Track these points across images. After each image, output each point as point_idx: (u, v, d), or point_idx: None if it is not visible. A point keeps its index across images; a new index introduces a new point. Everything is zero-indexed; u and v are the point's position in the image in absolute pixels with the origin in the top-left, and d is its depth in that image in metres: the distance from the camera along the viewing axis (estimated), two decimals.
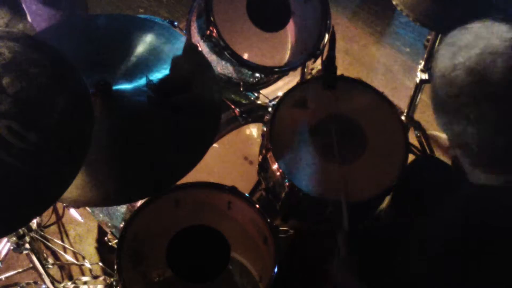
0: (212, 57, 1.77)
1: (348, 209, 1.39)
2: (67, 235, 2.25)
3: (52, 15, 2.43)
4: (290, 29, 1.82)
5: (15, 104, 1.05)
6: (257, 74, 1.81)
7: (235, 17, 1.74)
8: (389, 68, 3.02)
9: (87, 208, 2.02)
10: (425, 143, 2.38)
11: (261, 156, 1.62)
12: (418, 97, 2.24)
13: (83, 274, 2.11)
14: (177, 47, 1.55)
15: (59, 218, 2.29)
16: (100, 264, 2.11)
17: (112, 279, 1.97)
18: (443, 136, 2.63)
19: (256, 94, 2.12)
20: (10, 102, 1.05)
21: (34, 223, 2.08)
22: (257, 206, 1.49)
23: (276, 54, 1.82)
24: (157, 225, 1.48)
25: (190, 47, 1.59)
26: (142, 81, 1.43)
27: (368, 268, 1.37)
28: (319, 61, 1.81)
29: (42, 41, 1.18)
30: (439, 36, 2.01)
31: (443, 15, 1.78)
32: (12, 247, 1.55)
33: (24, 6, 2.47)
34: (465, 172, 1.10)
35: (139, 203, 1.53)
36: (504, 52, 0.91)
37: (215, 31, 1.65)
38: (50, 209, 2.28)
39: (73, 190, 1.27)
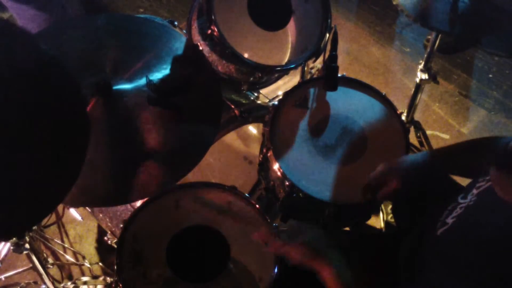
0: (213, 57, 1.77)
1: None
2: (67, 235, 2.25)
3: (45, 18, 2.39)
4: (290, 29, 1.82)
5: None
6: (258, 73, 1.81)
7: (236, 16, 1.74)
8: (389, 68, 3.02)
9: (87, 208, 2.02)
10: (425, 143, 2.39)
11: (261, 156, 1.62)
12: (418, 97, 2.24)
13: (83, 274, 2.11)
14: (177, 47, 1.55)
15: (59, 218, 2.29)
16: (100, 264, 2.11)
17: (112, 279, 1.98)
18: (443, 136, 2.63)
19: (256, 94, 2.12)
20: None
21: None
22: (257, 206, 1.49)
23: (277, 53, 1.82)
24: (157, 225, 1.48)
25: (191, 47, 1.59)
26: (142, 81, 1.43)
27: (371, 271, 1.38)
28: (319, 60, 1.81)
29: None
30: (439, 36, 2.02)
31: (443, 15, 1.78)
32: (12, 247, 1.55)
33: (13, 12, 2.43)
34: None
35: (139, 203, 1.53)
36: None
37: (216, 30, 1.64)
38: None
39: (73, 190, 1.27)
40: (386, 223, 2.07)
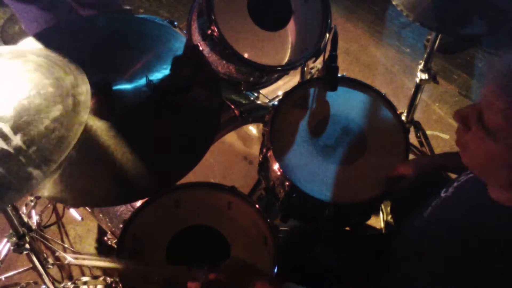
0: (213, 57, 1.77)
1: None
2: (67, 235, 2.25)
3: (48, 19, 2.37)
4: (290, 28, 1.82)
5: (14, 108, 1.04)
6: (258, 73, 1.81)
7: (236, 16, 1.74)
8: (389, 68, 3.02)
9: (87, 208, 2.02)
10: (425, 143, 2.39)
11: (261, 156, 1.62)
12: (418, 97, 2.24)
13: (83, 274, 2.11)
14: (177, 47, 1.55)
15: (59, 218, 2.29)
16: None
17: (112, 279, 1.98)
18: (443, 136, 2.63)
19: (256, 94, 2.12)
20: (11, 106, 1.04)
21: (34, 223, 2.08)
22: (257, 206, 1.49)
23: (277, 53, 1.82)
24: (157, 225, 1.48)
25: (190, 47, 1.59)
26: (142, 81, 1.43)
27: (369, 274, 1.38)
28: (319, 60, 1.81)
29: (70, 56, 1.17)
30: (439, 36, 2.02)
31: (443, 15, 1.78)
32: (12, 248, 1.54)
33: (16, 12, 2.41)
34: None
35: (139, 203, 1.53)
36: None
37: (216, 30, 1.64)
38: (50, 209, 2.29)
39: (73, 190, 1.27)
40: (386, 223, 2.07)
